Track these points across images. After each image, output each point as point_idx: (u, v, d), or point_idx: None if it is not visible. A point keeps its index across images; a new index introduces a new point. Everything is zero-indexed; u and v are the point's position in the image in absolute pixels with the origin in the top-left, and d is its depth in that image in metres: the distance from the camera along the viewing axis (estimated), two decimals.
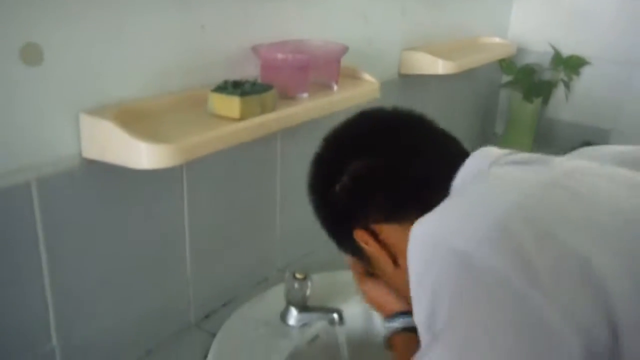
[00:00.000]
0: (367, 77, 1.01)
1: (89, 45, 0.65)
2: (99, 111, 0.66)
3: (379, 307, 0.75)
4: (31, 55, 0.60)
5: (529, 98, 1.75)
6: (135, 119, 0.67)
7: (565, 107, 1.85)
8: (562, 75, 1.76)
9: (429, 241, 0.49)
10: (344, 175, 0.61)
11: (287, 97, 0.84)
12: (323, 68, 0.90)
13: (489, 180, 0.54)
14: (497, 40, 1.68)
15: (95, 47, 0.66)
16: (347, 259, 0.73)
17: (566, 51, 1.78)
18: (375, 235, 0.60)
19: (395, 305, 0.71)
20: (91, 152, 0.67)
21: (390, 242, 0.60)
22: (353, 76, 1.01)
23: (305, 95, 0.87)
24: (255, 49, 0.84)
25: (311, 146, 0.66)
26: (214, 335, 0.87)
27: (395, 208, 0.59)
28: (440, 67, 1.27)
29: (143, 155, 0.63)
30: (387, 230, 0.60)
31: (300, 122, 0.84)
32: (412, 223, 0.51)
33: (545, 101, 1.81)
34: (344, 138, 0.64)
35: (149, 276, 0.81)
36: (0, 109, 0.59)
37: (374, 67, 1.11)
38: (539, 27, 1.87)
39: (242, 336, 0.87)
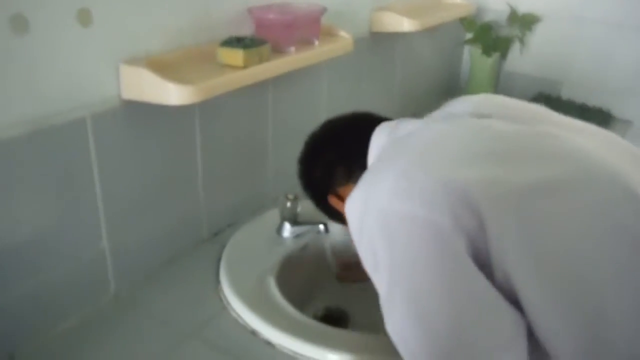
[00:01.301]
0: (342, 34, 1.20)
1: (125, 9, 0.83)
2: (134, 61, 0.85)
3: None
4: (84, 18, 0.78)
5: (488, 53, 1.95)
6: (161, 68, 0.86)
7: (522, 60, 2.05)
8: (517, 31, 1.97)
9: (355, 209, 0.70)
10: (313, 165, 0.91)
11: (278, 50, 1.04)
12: (306, 26, 1.09)
13: (387, 150, 0.77)
14: (458, 0, 1.86)
15: (129, 11, 0.84)
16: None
17: (523, 9, 1.98)
18: (342, 198, 0.84)
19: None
20: (129, 93, 0.86)
21: None
22: (331, 33, 1.20)
23: (292, 49, 1.06)
24: (250, 11, 1.03)
25: (297, 92, 0.86)
26: (224, 246, 1.08)
27: (348, 174, 0.85)
28: (405, 25, 1.46)
29: (172, 94, 0.82)
30: (348, 191, 0.81)
31: (289, 71, 1.04)
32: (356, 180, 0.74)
33: (504, 56, 2.01)
34: (312, 142, 0.93)
35: (171, 196, 1.01)
36: (61, 62, 0.78)
37: (348, 25, 1.30)
38: None
39: (246, 246, 1.08)
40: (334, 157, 0.89)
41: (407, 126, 0.80)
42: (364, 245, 0.69)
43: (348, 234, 1.16)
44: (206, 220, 1.11)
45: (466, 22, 1.95)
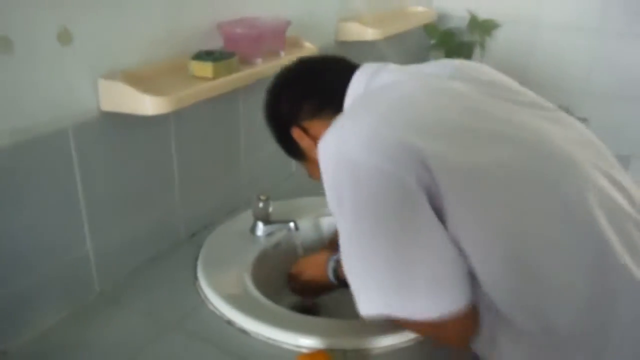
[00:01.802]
0: (307, 44, 1.29)
1: (101, 28, 0.91)
2: (111, 76, 0.92)
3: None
4: (64, 38, 0.85)
5: (450, 57, 2.05)
6: (137, 81, 0.93)
7: (485, 63, 2.16)
8: (477, 37, 2.08)
9: (327, 154, 0.77)
10: (282, 96, 0.95)
11: (246, 62, 1.12)
12: (272, 39, 1.17)
13: (363, 100, 0.84)
14: (420, 8, 1.97)
15: (106, 29, 0.92)
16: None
17: (483, 15, 2.09)
18: (306, 132, 0.91)
19: None
20: (107, 105, 0.93)
21: (318, 134, 0.86)
22: (296, 44, 1.29)
23: (259, 60, 1.14)
24: (219, 26, 1.11)
25: (258, 98, 0.94)
26: (200, 246, 1.15)
27: (317, 110, 0.91)
28: (369, 33, 1.56)
29: (147, 104, 0.90)
30: (315, 126, 0.89)
31: (256, 80, 1.11)
32: (329, 118, 0.82)
33: (467, 59, 2.12)
34: (283, 75, 0.96)
35: (150, 200, 1.08)
36: (44, 77, 0.84)
37: (314, 35, 1.39)
38: None
39: (222, 245, 1.16)
40: (304, 91, 0.94)
41: (384, 77, 0.88)
42: (333, 186, 0.76)
43: (317, 231, 1.26)
44: (183, 222, 1.18)
45: (429, 29, 2.06)
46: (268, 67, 1.13)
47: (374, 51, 1.77)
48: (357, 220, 0.75)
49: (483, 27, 2.07)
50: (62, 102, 0.88)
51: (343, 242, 0.77)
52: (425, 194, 0.71)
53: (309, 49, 1.27)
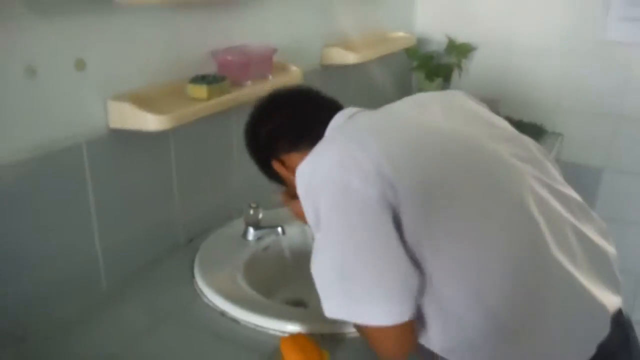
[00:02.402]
0: (293, 68, 1.43)
1: (111, 57, 1.05)
2: (119, 97, 1.06)
3: (301, 216, 1.15)
4: (80, 65, 0.99)
5: (431, 78, 2.20)
6: (141, 101, 1.07)
7: (463, 84, 2.31)
8: (454, 59, 2.23)
9: (305, 178, 0.87)
10: (258, 132, 1.05)
11: (237, 84, 1.26)
12: (260, 64, 1.32)
13: (339, 128, 0.97)
14: (401, 34, 2.12)
15: (115, 58, 1.06)
16: (280, 196, 1.14)
17: (461, 39, 2.24)
18: (284, 164, 1.02)
19: None
20: (115, 123, 1.06)
21: (295, 165, 0.95)
22: (283, 68, 1.43)
23: (249, 83, 1.28)
24: (213, 53, 1.25)
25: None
26: (197, 249, 1.28)
27: (293, 145, 1.00)
28: (350, 58, 1.71)
29: (150, 122, 1.03)
30: (291, 158, 1.01)
31: (246, 101, 1.25)
32: (306, 150, 0.91)
33: (447, 80, 2.27)
34: (260, 109, 1.07)
35: (153, 207, 1.22)
36: (62, 99, 0.98)
37: (300, 60, 1.53)
38: (439, 21, 2.32)
39: (216, 248, 1.28)
40: (279, 127, 1.02)
41: (361, 114, 0.99)
42: (309, 204, 0.86)
43: (303, 235, 1.39)
44: (182, 228, 1.31)
45: (410, 52, 2.22)
46: (257, 89, 1.27)
47: (359, 73, 1.92)
48: (327, 232, 0.85)
49: (460, 50, 2.22)
50: (77, 120, 1.02)
51: (314, 250, 0.86)
52: (390, 211, 0.82)
53: (294, 71, 1.42)
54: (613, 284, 0.94)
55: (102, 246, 1.11)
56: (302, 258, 1.31)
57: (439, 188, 0.85)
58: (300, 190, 0.88)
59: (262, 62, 1.31)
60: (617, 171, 2.19)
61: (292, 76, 1.41)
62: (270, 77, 1.35)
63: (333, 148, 0.88)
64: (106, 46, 1.04)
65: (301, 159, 0.90)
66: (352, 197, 0.82)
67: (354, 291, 0.82)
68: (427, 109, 1.00)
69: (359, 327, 0.89)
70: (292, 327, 1.01)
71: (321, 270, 0.86)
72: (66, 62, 0.98)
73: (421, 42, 2.31)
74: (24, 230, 0.96)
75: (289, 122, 1.03)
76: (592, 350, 0.85)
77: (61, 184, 1.01)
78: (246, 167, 1.44)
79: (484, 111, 1.06)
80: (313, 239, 0.95)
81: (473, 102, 1.08)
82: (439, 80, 2.23)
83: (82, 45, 1.00)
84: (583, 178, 2.16)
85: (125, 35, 1.07)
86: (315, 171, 0.87)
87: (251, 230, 1.32)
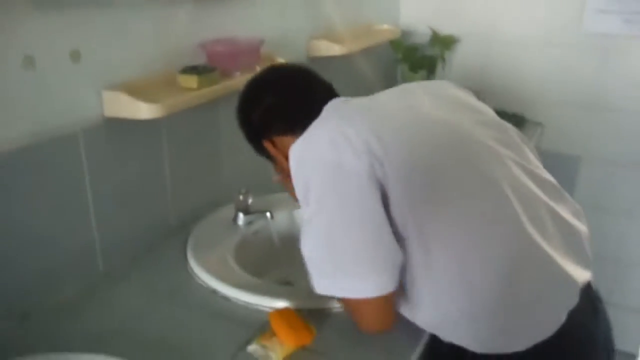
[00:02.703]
0: (279, 59, 1.48)
1: (105, 48, 1.10)
2: (113, 87, 1.11)
3: (292, 191, 1.21)
4: (75, 56, 1.04)
5: (415, 70, 2.26)
6: (134, 91, 1.11)
7: (447, 75, 2.37)
8: (438, 51, 2.29)
9: (297, 155, 0.93)
10: (253, 110, 1.08)
11: (226, 75, 1.31)
12: (248, 55, 1.37)
13: (332, 110, 1.02)
14: (385, 26, 2.18)
15: (108, 49, 1.11)
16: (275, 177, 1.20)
17: (446, 31, 2.28)
18: (275, 144, 1.07)
19: None
20: (110, 112, 1.11)
21: (286, 147, 1.02)
22: (270, 59, 1.48)
23: (237, 73, 1.33)
24: (202, 45, 1.30)
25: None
26: (189, 234, 1.33)
27: (288, 128, 1.05)
28: (337, 49, 1.76)
29: (143, 110, 1.08)
30: (284, 141, 1.06)
31: (234, 91, 1.30)
32: (298, 135, 0.96)
33: (431, 71, 2.33)
34: (255, 84, 1.11)
35: (146, 194, 1.27)
36: (58, 90, 1.03)
37: (287, 52, 1.58)
38: (423, 13, 2.38)
39: (207, 234, 1.33)
40: (274, 110, 1.06)
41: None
42: (300, 182, 0.91)
43: (290, 220, 1.44)
44: (174, 214, 1.37)
45: (395, 44, 2.27)
46: (245, 79, 1.32)
47: (345, 65, 1.97)
48: (317, 208, 0.90)
49: (444, 42, 2.28)
50: (73, 109, 1.07)
51: (304, 227, 0.91)
52: (378, 187, 0.87)
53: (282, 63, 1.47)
54: (583, 260, 1.01)
55: (99, 230, 1.16)
56: (289, 241, 1.38)
57: (424, 168, 0.91)
58: (292, 168, 0.93)
59: (250, 53, 1.36)
60: (596, 160, 2.26)
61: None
62: (257, 67, 1.40)
63: (325, 127, 0.94)
64: (100, 38, 1.09)
65: (294, 141, 0.95)
66: (342, 173, 0.88)
67: (342, 265, 0.88)
68: (414, 97, 1.06)
69: (343, 301, 0.95)
70: (280, 304, 1.07)
71: (311, 247, 0.91)
72: (62, 53, 1.02)
73: (405, 34, 2.37)
74: (25, 214, 1.01)
75: (285, 105, 1.06)
76: (563, 317, 0.92)
77: (59, 170, 1.06)
78: (235, 154, 1.50)
79: (468, 98, 1.12)
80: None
81: (458, 90, 1.14)
82: (423, 72, 2.29)
83: (78, 37, 1.04)
84: (562, 167, 2.23)
85: (118, 27, 1.12)
86: (307, 150, 0.92)
87: (241, 215, 1.37)
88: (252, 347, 0.95)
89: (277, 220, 1.39)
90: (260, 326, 1.01)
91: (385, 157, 0.88)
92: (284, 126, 1.06)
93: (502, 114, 2.22)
